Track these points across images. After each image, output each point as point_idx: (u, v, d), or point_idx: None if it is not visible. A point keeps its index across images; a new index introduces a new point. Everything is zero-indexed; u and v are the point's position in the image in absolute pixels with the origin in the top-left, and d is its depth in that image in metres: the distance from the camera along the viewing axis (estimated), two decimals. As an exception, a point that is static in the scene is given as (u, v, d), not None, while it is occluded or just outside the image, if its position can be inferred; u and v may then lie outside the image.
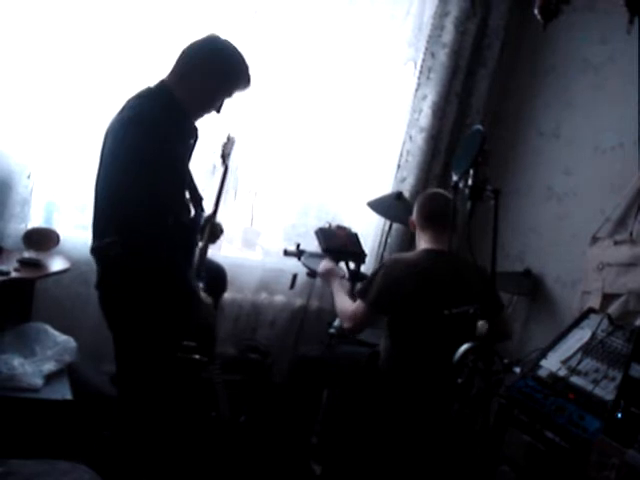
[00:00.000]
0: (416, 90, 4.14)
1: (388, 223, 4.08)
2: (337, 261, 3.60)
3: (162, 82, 2.58)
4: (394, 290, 2.93)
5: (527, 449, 2.83)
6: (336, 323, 3.46)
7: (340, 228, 3.77)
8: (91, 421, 2.89)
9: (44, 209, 3.37)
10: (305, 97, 3.94)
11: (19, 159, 3.22)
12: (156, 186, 2.36)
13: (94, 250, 2.51)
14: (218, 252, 3.73)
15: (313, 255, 3.62)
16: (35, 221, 3.33)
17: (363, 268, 3.76)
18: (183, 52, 2.61)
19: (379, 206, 3.89)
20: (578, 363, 2.76)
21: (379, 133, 4.19)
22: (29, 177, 3.25)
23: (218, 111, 2.73)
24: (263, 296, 4.06)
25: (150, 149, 2.36)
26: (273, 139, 3.93)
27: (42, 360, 2.80)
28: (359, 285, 3.23)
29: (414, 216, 3.21)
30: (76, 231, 3.45)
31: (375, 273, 3.04)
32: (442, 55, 4.08)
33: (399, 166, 4.19)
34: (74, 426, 2.70)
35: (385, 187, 4.18)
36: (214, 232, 3.01)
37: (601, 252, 3.44)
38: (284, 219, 4.18)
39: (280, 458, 3.49)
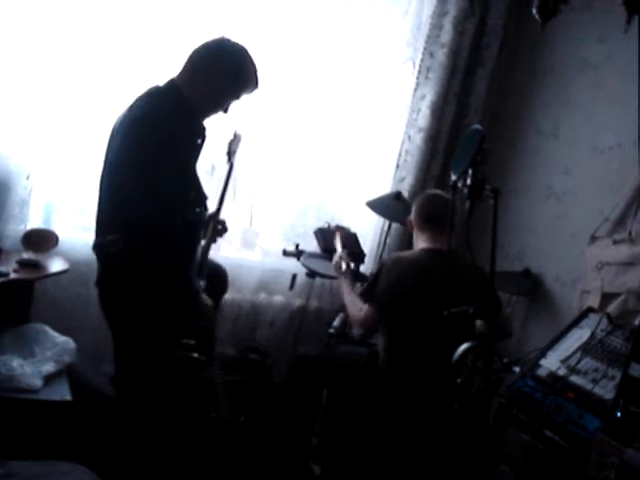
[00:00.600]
0: (415, 90, 4.14)
1: (387, 223, 4.08)
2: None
3: (172, 81, 2.60)
4: (395, 289, 2.94)
5: (527, 448, 2.84)
6: (335, 323, 3.46)
7: (339, 228, 3.77)
8: (90, 422, 2.88)
9: (43, 210, 3.36)
10: (304, 97, 3.93)
11: (18, 160, 3.21)
12: (161, 186, 2.37)
13: (96, 247, 2.51)
14: (217, 253, 3.72)
15: (312, 255, 3.63)
16: (34, 222, 3.33)
17: (362, 268, 3.77)
18: (194, 52, 2.63)
19: (378, 206, 3.89)
20: (577, 362, 2.77)
21: (378, 133, 4.19)
22: (28, 178, 3.25)
23: (225, 111, 2.74)
24: (262, 296, 4.06)
25: (156, 149, 2.37)
26: (271, 139, 3.92)
27: (41, 361, 2.79)
28: (362, 286, 3.23)
29: (412, 216, 3.21)
30: (75, 232, 3.46)
31: (377, 273, 3.04)
32: (441, 55, 4.08)
33: (398, 166, 4.19)
34: (73, 427, 2.69)
35: (384, 187, 4.18)
36: (218, 230, 3.01)
37: (600, 251, 3.44)
38: (283, 219, 4.18)
39: (280, 459, 3.49)
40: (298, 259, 3.63)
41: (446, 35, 4.06)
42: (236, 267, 3.76)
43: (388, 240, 4.11)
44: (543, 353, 2.90)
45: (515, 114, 4.29)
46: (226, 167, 3.04)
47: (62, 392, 2.72)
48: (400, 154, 4.19)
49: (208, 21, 3.48)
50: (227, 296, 3.56)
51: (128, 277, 2.46)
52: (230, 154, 3.05)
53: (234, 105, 2.77)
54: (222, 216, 3.02)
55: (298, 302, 4.12)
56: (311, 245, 3.72)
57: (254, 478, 3.35)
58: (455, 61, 4.13)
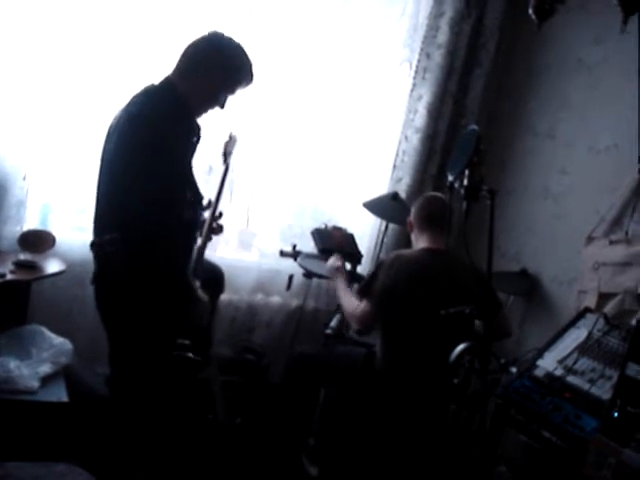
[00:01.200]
0: (411, 90, 4.14)
1: (384, 223, 4.08)
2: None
3: (167, 79, 2.60)
4: (393, 286, 2.94)
5: (524, 449, 2.84)
6: (332, 323, 3.47)
7: (336, 229, 3.77)
8: (87, 423, 2.88)
9: (40, 211, 3.36)
10: (300, 98, 3.93)
11: (14, 161, 3.21)
12: (157, 184, 2.37)
13: (93, 245, 2.51)
14: (214, 253, 3.73)
15: (309, 256, 3.63)
16: (31, 223, 3.33)
17: (359, 269, 3.77)
18: (186, 49, 2.63)
19: (375, 207, 3.89)
20: (574, 362, 2.77)
21: (375, 134, 4.19)
22: (24, 179, 3.24)
23: (222, 107, 2.74)
24: (259, 297, 4.05)
25: (152, 147, 2.37)
26: (268, 140, 3.92)
27: (38, 362, 2.79)
28: (360, 283, 3.23)
29: (412, 218, 3.22)
30: (72, 233, 3.45)
31: (376, 270, 3.04)
32: (437, 55, 4.08)
33: (395, 166, 4.19)
34: (70, 428, 2.69)
35: (381, 187, 4.18)
36: (213, 229, 3.01)
37: (597, 252, 3.45)
38: (280, 220, 4.18)
39: (276, 460, 3.49)
40: (295, 260, 3.62)
41: (443, 36, 4.07)
42: (233, 268, 3.76)
43: (385, 240, 4.11)
44: (540, 353, 2.90)
45: (512, 115, 4.29)
46: (222, 168, 3.05)
47: (59, 393, 2.72)
48: (397, 154, 4.19)
49: (204, 22, 3.48)
50: (224, 297, 3.56)
51: (124, 275, 2.45)
52: (226, 155, 3.05)
53: (230, 102, 2.77)
54: (218, 216, 3.03)
55: (295, 303, 4.12)
56: (308, 246, 3.71)
57: (251, 479, 3.34)
58: (452, 62, 4.13)
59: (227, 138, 3.07)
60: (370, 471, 3.06)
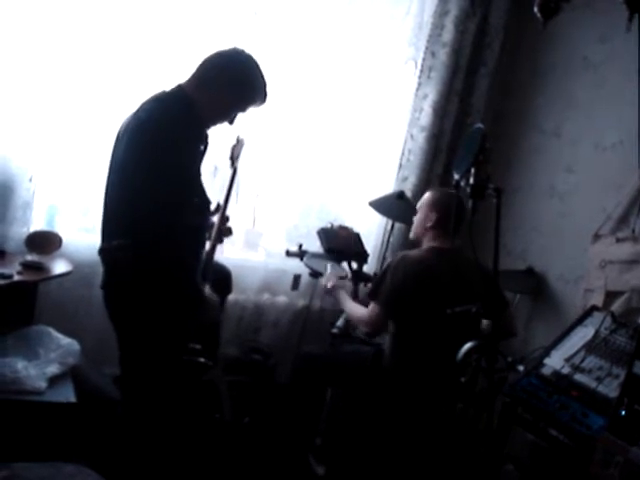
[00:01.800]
0: (417, 89, 4.14)
1: (390, 222, 4.08)
2: (339, 261, 3.60)
3: (179, 86, 2.59)
4: (402, 287, 2.94)
5: (531, 447, 2.83)
6: (339, 323, 3.47)
7: (342, 228, 3.77)
8: (95, 424, 2.89)
9: (46, 212, 3.37)
10: (306, 98, 3.94)
11: (20, 162, 3.22)
12: (166, 189, 2.37)
13: (102, 251, 2.51)
14: (221, 254, 3.72)
15: (315, 255, 3.63)
16: (37, 224, 3.34)
17: (365, 268, 3.77)
18: (205, 60, 2.63)
19: (381, 206, 3.89)
20: (581, 361, 2.76)
21: (380, 133, 4.19)
22: (31, 180, 3.25)
23: (231, 123, 2.74)
24: (266, 297, 4.06)
25: (161, 152, 2.37)
26: (274, 140, 3.93)
27: (46, 363, 2.79)
28: (369, 286, 3.23)
29: (431, 208, 3.18)
30: (78, 234, 3.46)
31: (384, 273, 3.04)
32: (442, 54, 4.08)
33: (401, 165, 4.19)
34: (78, 429, 2.70)
35: (387, 186, 4.18)
36: (223, 232, 3.02)
37: (603, 250, 3.44)
38: (286, 220, 4.19)
39: (283, 460, 3.49)
40: (301, 259, 3.63)
41: (448, 34, 4.07)
42: (239, 268, 3.76)
43: (391, 240, 4.11)
44: (547, 352, 2.90)
45: (517, 113, 4.29)
46: (229, 171, 3.05)
47: (67, 394, 2.72)
48: (403, 153, 4.19)
49: (210, 23, 3.49)
50: (230, 297, 3.56)
51: (134, 280, 2.46)
52: (233, 159, 3.06)
53: (239, 117, 2.78)
54: (227, 219, 3.04)
55: (301, 302, 4.12)
56: (314, 245, 3.72)
57: (258, 478, 3.35)
58: (457, 60, 4.14)
59: (234, 142, 3.07)
60: (377, 470, 3.06)
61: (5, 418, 2.53)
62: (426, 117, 4.13)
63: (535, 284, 3.90)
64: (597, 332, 2.87)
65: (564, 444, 2.53)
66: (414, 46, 4.12)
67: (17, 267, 2.93)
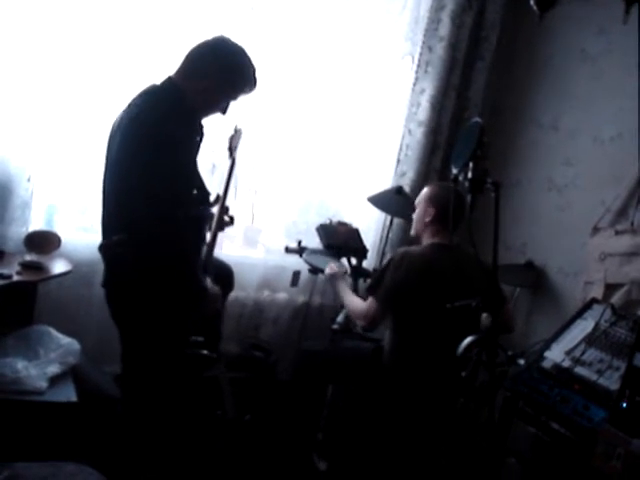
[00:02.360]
0: (414, 84, 4.14)
1: (389, 218, 4.08)
2: (339, 257, 3.60)
3: (169, 79, 2.59)
4: (403, 284, 2.94)
5: (533, 440, 2.83)
6: (339, 319, 3.47)
7: (341, 224, 3.77)
8: (96, 423, 2.89)
9: (45, 212, 3.37)
10: (303, 93, 3.93)
11: (19, 162, 3.22)
12: (163, 183, 2.37)
13: (102, 248, 2.51)
14: (220, 250, 3.73)
15: (315, 252, 3.63)
16: (36, 224, 3.33)
17: (365, 263, 3.77)
18: (192, 50, 2.62)
19: (380, 201, 3.88)
20: (582, 354, 2.76)
21: (378, 128, 4.19)
22: (29, 180, 3.25)
23: (223, 112, 2.74)
24: (265, 294, 4.06)
25: (156, 146, 2.37)
26: (272, 136, 3.92)
27: (46, 363, 2.79)
28: (368, 281, 3.23)
29: (429, 204, 3.16)
30: (77, 233, 3.46)
31: (384, 268, 3.04)
32: (439, 48, 4.08)
33: (399, 160, 4.19)
34: (79, 428, 2.70)
35: (385, 182, 4.18)
36: (225, 221, 3.02)
37: (603, 242, 3.44)
38: (285, 216, 4.19)
39: (285, 456, 3.49)
40: (301, 256, 3.63)
41: (444, 29, 4.06)
42: (239, 265, 3.75)
43: (390, 235, 4.11)
44: (547, 345, 2.90)
45: (515, 107, 4.29)
46: (228, 162, 3.05)
47: (67, 393, 2.72)
48: (401, 148, 4.19)
49: (206, 17, 3.48)
50: (231, 294, 3.56)
51: (135, 276, 2.46)
52: (231, 149, 3.06)
53: (232, 106, 2.77)
54: (227, 209, 3.04)
55: (301, 299, 4.12)
56: (313, 241, 3.72)
57: (260, 475, 3.35)
58: (454, 55, 4.13)
59: (232, 132, 3.07)
60: (379, 465, 3.07)
61: (6, 418, 2.53)
62: (423, 112, 4.13)
63: (535, 278, 3.90)
64: (597, 325, 2.88)
65: (566, 437, 2.54)
66: (411, 41, 4.11)
67: (16, 267, 2.93)
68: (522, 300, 3.92)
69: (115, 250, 2.43)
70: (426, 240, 3.15)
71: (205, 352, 2.93)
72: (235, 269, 3.37)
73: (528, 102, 4.20)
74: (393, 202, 3.85)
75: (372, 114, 4.15)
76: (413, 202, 3.31)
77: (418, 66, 4.12)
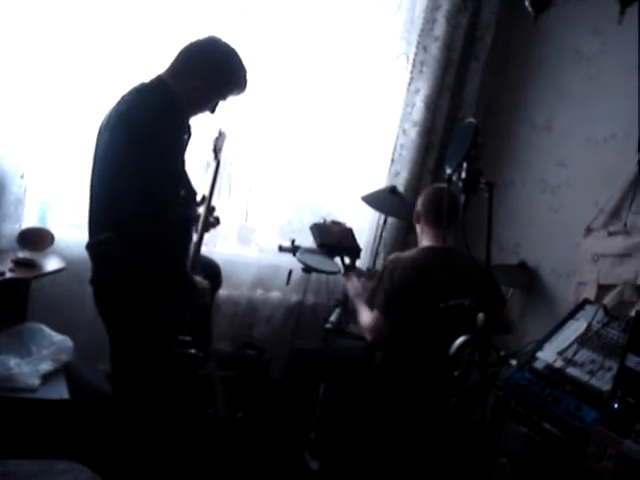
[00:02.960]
0: (409, 84, 4.14)
1: (383, 217, 4.08)
2: (332, 256, 3.60)
3: (158, 77, 2.59)
4: (399, 287, 2.94)
5: (525, 441, 2.84)
6: (332, 318, 3.47)
7: (335, 223, 3.77)
8: (88, 420, 2.88)
9: (38, 209, 3.36)
10: (298, 92, 3.93)
11: (12, 159, 3.21)
12: (150, 180, 2.37)
13: (89, 246, 2.51)
14: (213, 249, 3.73)
15: (308, 251, 3.62)
16: (29, 221, 3.33)
17: (358, 262, 3.77)
18: (183, 50, 2.63)
19: (373, 200, 3.89)
20: (574, 354, 2.77)
21: (372, 128, 4.19)
22: (22, 177, 3.24)
23: (212, 112, 2.74)
24: (259, 292, 4.05)
25: (143, 144, 2.37)
26: (266, 135, 3.92)
27: (38, 360, 2.79)
28: (362, 280, 3.23)
29: (421, 209, 3.18)
30: (71, 230, 3.45)
31: (379, 278, 3.04)
32: (434, 49, 4.08)
33: (393, 160, 4.19)
34: (71, 425, 2.69)
35: (379, 181, 4.18)
36: (210, 222, 3.02)
37: (595, 243, 3.45)
38: (279, 215, 4.18)
39: (277, 455, 3.49)
40: (294, 255, 3.63)
41: (439, 29, 4.06)
42: (232, 263, 3.77)
43: (384, 234, 4.11)
44: (540, 345, 2.90)
45: (509, 107, 4.29)
46: (213, 164, 3.07)
47: (60, 391, 2.72)
48: (395, 148, 4.19)
49: (200, 17, 3.48)
50: (224, 292, 3.56)
51: (122, 274, 2.46)
52: (216, 151, 3.07)
53: (222, 105, 2.78)
54: (213, 209, 3.04)
55: (295, 298, 4.12)
56: (307, 241, 3.71)
57: (252, 474, 3.35)
58: (449, 55, 4.13)
59: (217, 134, 3.09)
60: (371, 465, 3.07)
61: (-2, 415, 2.53)
62: (418, 112, 4.13)
63: (528, 278, 3.91)
64: (589, 325, 2.88)
65: (557, 437, 2.55)
66: (406, 40, 4.11)
67: (9, 264, 2.93)
68: (515, 300, 3.93)
69: (102, 248, 2.43)
70: (420, 244, 3.16)
71: (193, 351, 2.93)
72: (229, 267, 3.37)
73: (522, 102, 4.20)
74: (387, 201, 3.86)
75: (367, 114, 4.15)
76: (407, 202, 3.32)
77: (413, 66, 4.11)
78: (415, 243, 3.29)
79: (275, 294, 4.10)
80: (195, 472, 3.11)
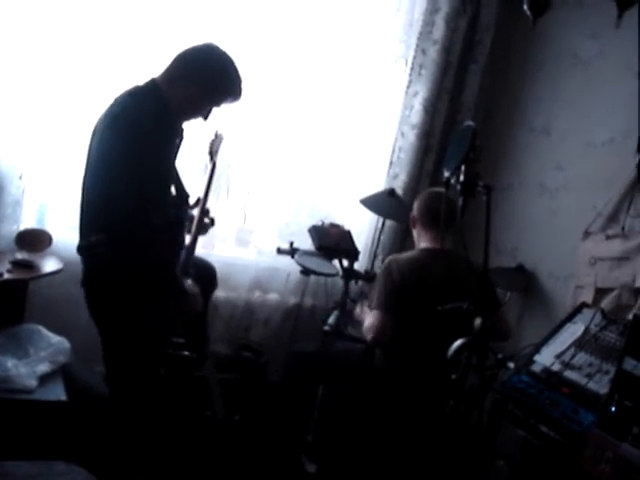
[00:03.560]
0: (407, 87, 4.14)
1: (381, 220, 4.08)
2: (330, 259, 3.60)
3: (153, 80, 2.59)
4: (397, 286, 2.94)
5: (522, 444, 2.84)
6: (330, 320, 3.47)
7: (333, 226, 3.77)
8: (86, 422, 2.88)
9: (36, 210, 3.36)
10: (296, 95, 3.93)
11: (10, 160, 3.21)
12: (141, 182, 2.36)
13: (80, 249, 2.51)
14: (211, 251, 3.73)
15: (307, 253, 3.62)
16: (27, 222, 3.33)
17: (356, 265, 3.77)
18: (179, 56, 2.62)
19: (372, 203, 3.89)
20: (572, 357, 2.77)
21: (371, 130, 4.19)
22: (21, 178, 3.24)
23: (205, 118, 2.74)
24: (257, 295, 4.05)
25: (135, 146, 2.37)
26: (265, 137, 3.92)
27: (36, 361, 2.79)
28: (360, 283, 3.23)
29: (415, 213, 3.20)
30: (68, 232, 3.43)
31: (377, 280, 3.05)
32: (433, 52, 4.08)
33: (391, 163, 4.19)
34: (69, 427, 2.69)
35: (378, 184, 4.18)
36: (204, 224, 3.03)
37: (593, 247, 3.45)
38: (277, 217, 4.18)
39: (275, 457, 3.49)
40: (292, 257, 3.63)
41: (438, 32, 4.06)
42: (230, 265, 3.77)
43: (382, 237, 4.11)
44: (537, 349, 2.90)
45: (507, 110, 4.29)
46: (209, 166, 3.08)
47: (57, 392, 2.72)
48: (393, 151, 4.19)
49: (199, 19, 3.48)
50: (221, 295, 3.56)
51: (113, 276, 2.46)
52: (212, 154, 3.08)
53: (220, 109, 2.78)
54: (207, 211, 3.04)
55: (293, 300, 4.12)
56: (306, 243, 3.71)
57: (249, 476, 3.35)
58: (447, 58, 4.13)
59: (213, 137, 3.09)
60: (368, 467, 3.07)
61: (-5, 417, 2.53)
62: (416, 115, 4.13)
63: (525, 281, 3.91)
64: (587, 329, 2.88)
65: (555, 440, 2.55)
66: (404, 43, 4.11)
67: (7, 265, 2.93)
68: (513, 304, 3.93)
69: (94, 250, 2.43)
70: (421, 244, 3.16)
71: (186, 353, 2.93)
72: (227, 270, 3.37)
73: (521, 106, 4.21)
74: (385, 204, 3.86)
75: (365, 116, 4.15)
76: (405, 204, 3.32)
77: (412, 69, 4.12)
78: (413, 246, 3.29)
79: (273, 296, 4.10)
80: (192, 474, 3.11)
